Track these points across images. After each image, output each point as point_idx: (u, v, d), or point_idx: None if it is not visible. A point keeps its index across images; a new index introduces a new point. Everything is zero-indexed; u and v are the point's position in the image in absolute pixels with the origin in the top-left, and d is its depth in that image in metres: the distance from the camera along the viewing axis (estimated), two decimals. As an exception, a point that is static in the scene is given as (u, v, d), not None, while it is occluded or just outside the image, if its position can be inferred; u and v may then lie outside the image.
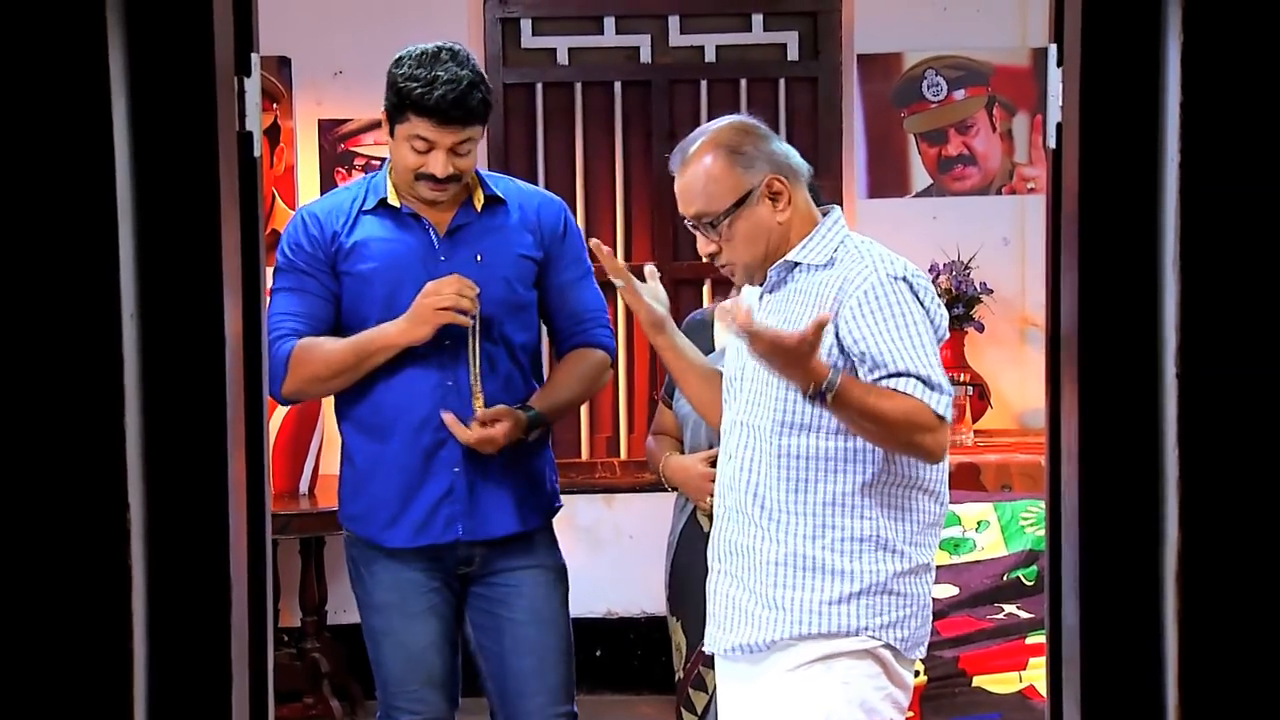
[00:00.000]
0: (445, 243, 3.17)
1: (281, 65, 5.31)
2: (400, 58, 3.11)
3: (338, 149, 5.42)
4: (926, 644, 2.73)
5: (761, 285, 2.78)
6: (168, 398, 1.71)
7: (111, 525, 1.65)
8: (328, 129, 5.41)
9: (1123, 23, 1.73)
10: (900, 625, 2.63)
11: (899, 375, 2.58)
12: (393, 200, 3.18)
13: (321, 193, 5.40)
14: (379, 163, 5.51)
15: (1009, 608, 3.74)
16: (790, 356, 2.49)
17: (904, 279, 2.66)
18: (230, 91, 1.78)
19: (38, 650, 1.64)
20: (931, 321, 2.66)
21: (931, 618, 2.76)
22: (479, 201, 3.21)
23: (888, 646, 2.62)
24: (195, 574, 1.71)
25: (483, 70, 3.19)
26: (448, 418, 3.08)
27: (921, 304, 2.65)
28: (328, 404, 5.04)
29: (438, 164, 3.08)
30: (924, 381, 2.56)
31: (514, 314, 3.20)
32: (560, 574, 3.29)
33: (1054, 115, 1.88)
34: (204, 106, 1.72)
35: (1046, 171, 1.94)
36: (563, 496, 3.40)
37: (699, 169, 2.75)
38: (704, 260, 2.86)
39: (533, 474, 3.26)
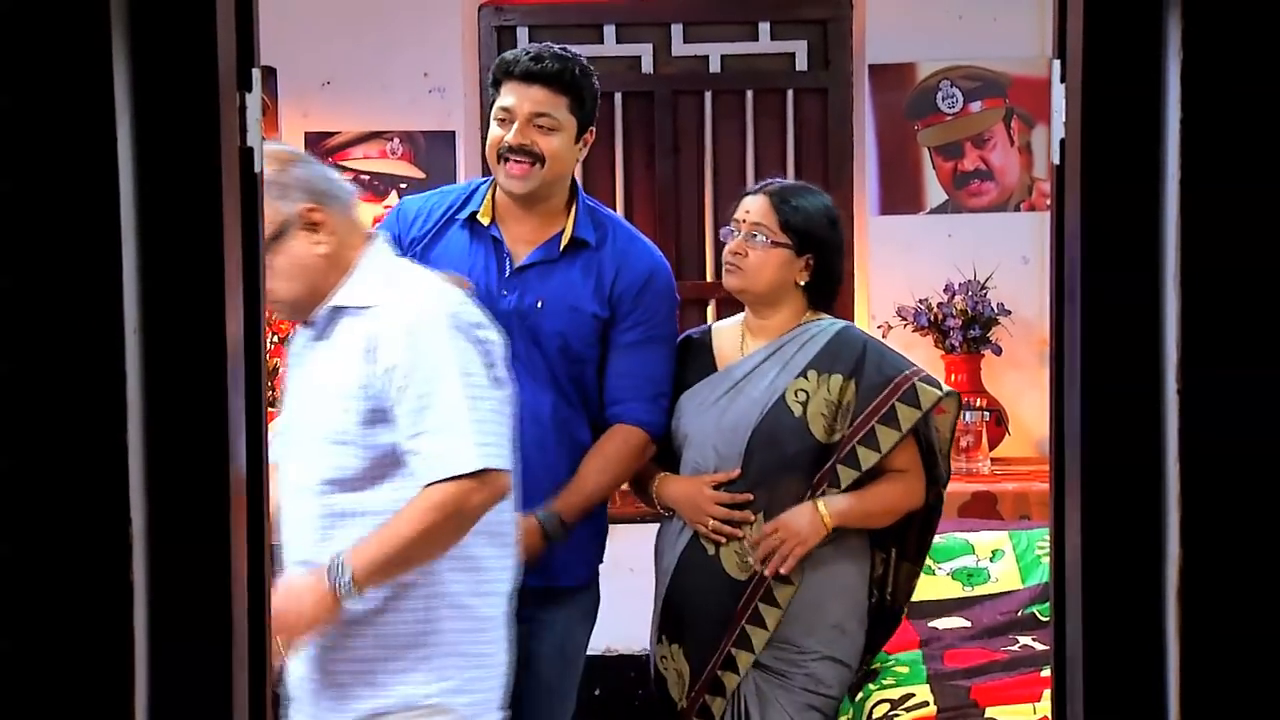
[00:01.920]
0: (515, 278, 3.20)
1: (266, 76, 5.44)
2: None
3: (325, 163, 5.52)
4: (498, 707, 2.82)
5: (311, 329, 2.83)
6: (170, 413, 1.84)
7: (113, 540, 1.76)
8: (315, 142, 5.54)
9: (1123, 39, 1.86)
10: (466, 690, 2.73)
11: (419, 435, 2.63)
12: (483, 216, 3.23)
13: (308, 209, 5.55)
14: (368, 177, 5.66)
15: (1024, 639, 3.86)
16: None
17: (445, 316, 2.69)
18: (232, 106, 1.91)
19: (38, 665, 1.76)
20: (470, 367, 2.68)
21: (504, 677, 2.85)
22: (566, 239, 3.24)
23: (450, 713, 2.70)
24: (198, 588, 1.83)
25: (590, 69, 3.25)
26: None
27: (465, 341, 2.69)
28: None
29: (513, 132, 3.13)
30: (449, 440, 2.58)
31: (571, 365, 3.25)
32: (592, 611, 3.40)
33: (1058, 131, 2.01)
34: (207, 122, 1.84)
35: (1052, 186, 2.07)
36: (559, 528, 3.46)
37: None
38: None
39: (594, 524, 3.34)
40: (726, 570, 3.30)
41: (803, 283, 3.33)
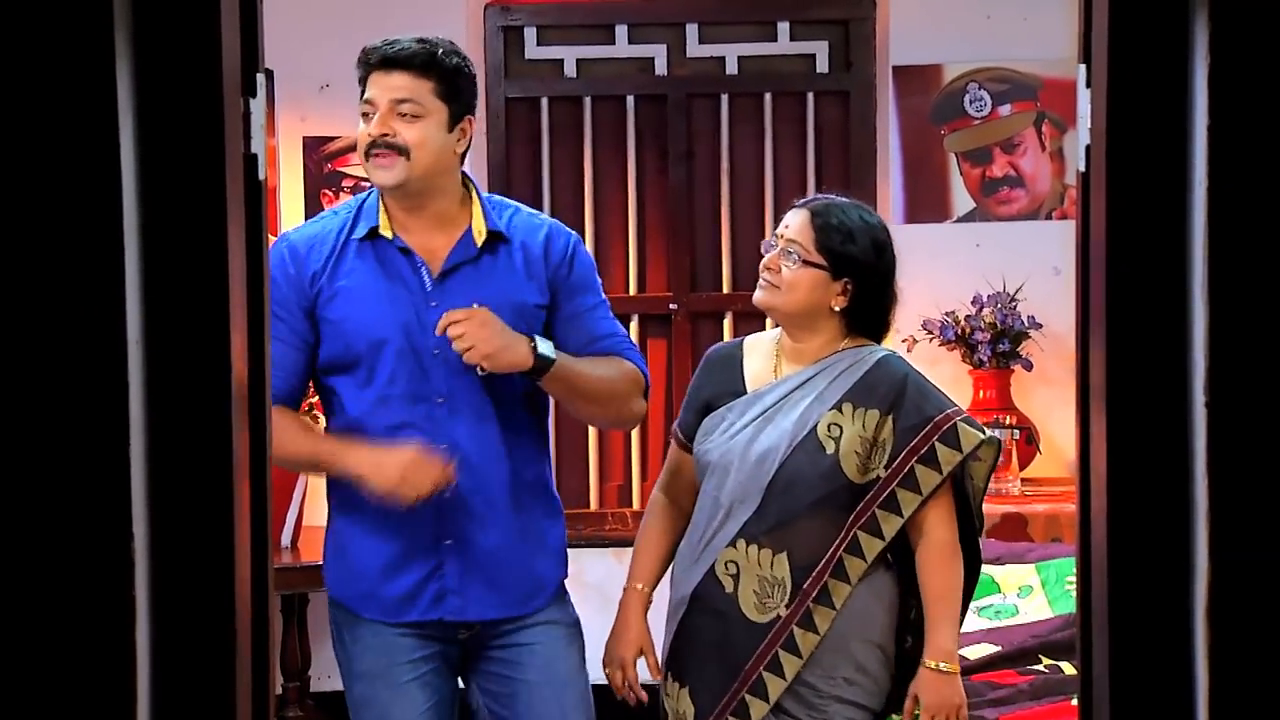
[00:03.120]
0: (439, 286, 3.15)
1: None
2: None
3: (324, 169, 5.60)
4: None
5: None
6: (172, 424, 1.90)
7: (115, 555, 1.82)
8: (313, 147, 5.60)
9: (1150, 44, 1.92)
10: None
11: None
12: (385, 230, 3.16)
13: (306, 217, 5.61)
14: (367, 183, 5.70)
15: (1049, 661, 3.90)
16: None
17: None
18: (236, 112, 1.98)
19: (38, 684, 1.82)
20: None
21: None
22: (479, 235, 3.18)
23: None
24: (200, 604, 1.89)
25: (459, 50, 3.22)
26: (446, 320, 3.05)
27: None
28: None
29: (374, 123, 3.09)
30: None
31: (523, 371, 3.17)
32: (575, 631, 3.32)
33: (1083, 138, 2.07)
34: (211, 128, 1.91)
35: (1077, 194, 2.13)
36: (569, 550, 3.41)
37: None
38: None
39: (539, 549, 3.26)
40: (744, 611, 3.24)
41: (838, 308, 3.28)
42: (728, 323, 5.75)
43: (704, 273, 5.83)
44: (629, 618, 3.35)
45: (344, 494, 3.22)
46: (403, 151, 3.10)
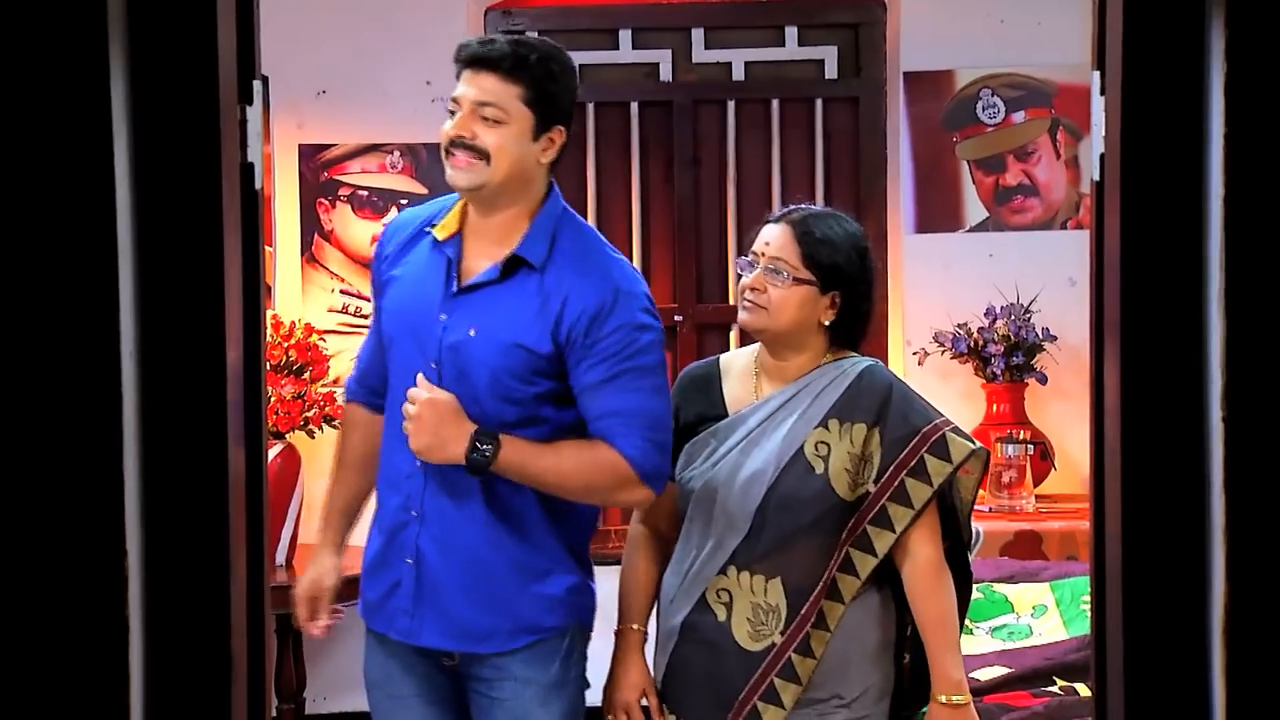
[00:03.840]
0: (455, 301, 3.08)
1: (258, 84, 5.52)
2: None
3: (320, 177, 5.62)
4: None
5: None
6: (167, 438, 1.91)
7: (108, 573, 1.84)
8: (309, 155, 5.61)
9: (1165, 51, 1.93)
10: None
11: None
12: (439, 231, 3.12)
13: (302, 226, 5.63)
14: (366, 193, 5.74)
15: (1064, 683, 3.91)
16: None
17: None
18: (233, 120, 1.99)
19: (31, 703, 1.83)
20: None
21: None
22: (505, 256, 3.06)
23: None
24: (194, 623, 1.90)
25: (560, 57, 3.10)
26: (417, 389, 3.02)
27: None
28: (308, 464, 5.25)
29: (454, 123, 3.02)
30: None
31: (503, 404, 3.06)
32: (551, 691, 3.16)
33: (1097, 146, 2.08)
34: (207, 136, 1.93)
35: (1091, 204, 2.14)
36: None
37: None
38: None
39: (522, 590, 3.12)
40: (737, 640, 3.20)
41: (827, 322, 3.24)
42: (734, 335, 5.75)
43: (710, 284, 5.84)
44: (627, 659, 3.29)
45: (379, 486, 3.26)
46: (482, 155, 3.03)
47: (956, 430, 3.22)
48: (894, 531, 3.16)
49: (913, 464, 3.16)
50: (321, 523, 3.41)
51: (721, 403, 3.31)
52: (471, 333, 3.04)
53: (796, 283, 3.20)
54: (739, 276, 3.30)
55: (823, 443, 3.19)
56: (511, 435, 3.05)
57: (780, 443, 3.21)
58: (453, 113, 3.05)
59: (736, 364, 3.36)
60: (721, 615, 3.21)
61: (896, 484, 3.15)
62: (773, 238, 3.24)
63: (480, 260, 3.10)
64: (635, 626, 3.32)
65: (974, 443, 3.22)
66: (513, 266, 3.06)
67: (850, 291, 3.24)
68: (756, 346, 3.34)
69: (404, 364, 3.11)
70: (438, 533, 3.10)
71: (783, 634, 3.18)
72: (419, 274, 3.14)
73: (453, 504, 3.09)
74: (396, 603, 3.15)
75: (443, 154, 3.07)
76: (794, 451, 3.19)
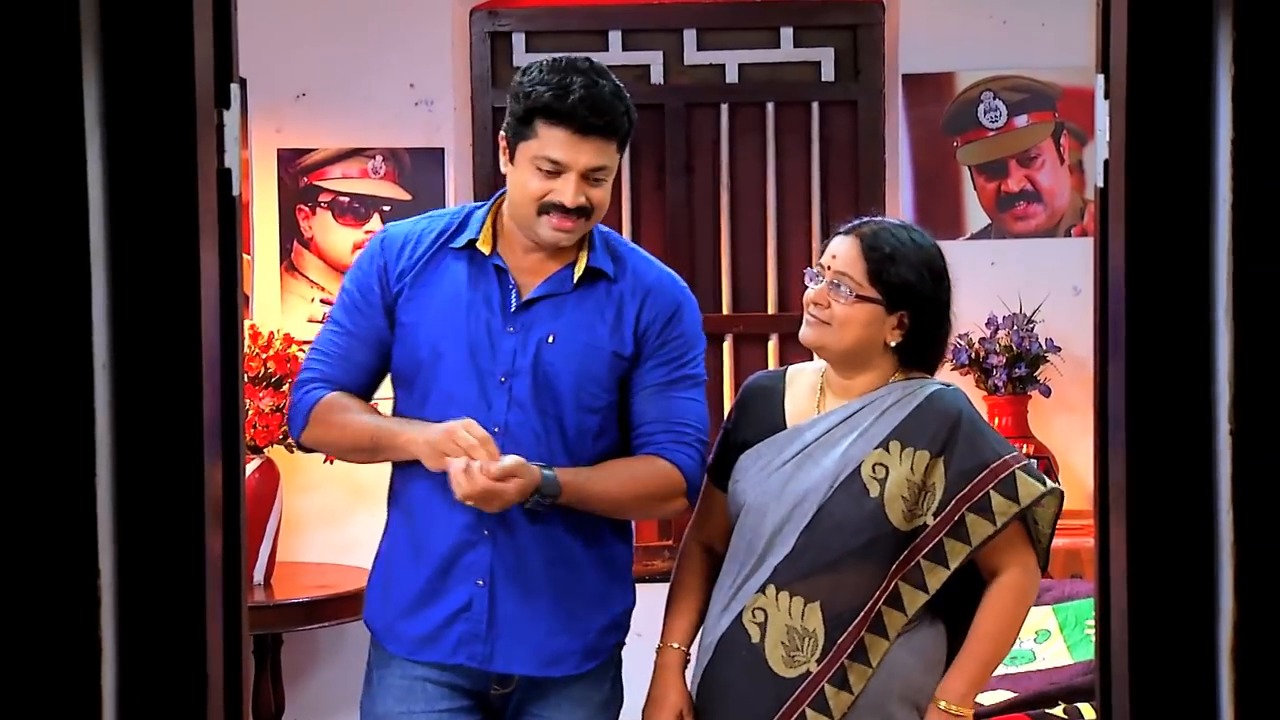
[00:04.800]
0: (521, 313, 3.16)
1: (236, 86, 5.51)
2: (529, 68, 3.17)
3: (300, 183, 5.62)
4: None
5: None
6: (141, 453, 1.91)
7: (81, 593, 1.84)
8: (288, 160, 5.61)
9: (1171, 53, 1.94)
10: None
11: None
12: (483, 245, 3.18)
13: (281, 234, 5.63)
14: (348, 199, 5.74)
15: (1066, 705, 3.91)
16: None
17: None
18: (210, 125, 2.00)
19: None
20: None
21: None
22: (579, 270, 3.18)
23: None
24: (169, 645, 1.91)
25: (626, 93, 3.20)
26: (453, 465, 2.99)
27: None
28: (287, 479, 5.25)
29: (568, 190, 3.07)
30: None
31: (582, 415, 3.18)
32: (600, 710, 3.28)
33: (1101, 152, 2.09)
34: (183, 141, 1.93)
35: (1095, 211, 2.15)
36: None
37: None
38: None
39: (590, 610, 3.22)
40: (770, 664, 3.15)
41: (893, 343, 3.19)
42: (728, 347, 5.76)
43: (703, 295, 5.80)
44: (666, 680, 3.27)
45: (399, 506, 3.23)
46: (587, 215, 3.13)
47: (1028, 468, 3.16)
48: (947, 568, 3.11)
49: (977, 499, 3.10)
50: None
51: (782, 415, 3.28)
52: (551, 339, 3.14)
53: (860, 300, 3.15)
54: (805, 288, 3.26)
55: (881, 465, 3.14)
56: (564, 466, 3.13)
57: (837, 460, 3.17)
58: (550, 173, 3.07)
59: (802, 377, 3.33)
60: (755, 636, 3.17)
61: (957, 518, 3.10)
62: (840, 251, 3.20)
63: (525, 276, 3.18)
64: (675, 645, 3.30)
65: (1046, 483, 3.16)
66: (588, 278, 3.18)
67: (919, 311, 3.18)
68: (824, 362, 3.30)
69: (456, 382, 3.14)
70: (512, 552, 3.15)
71: (819, 662, 3.13)
72: (459, 288, 3.18)
73: (526, 521, 3.13)
74: (465, 628, 3.15)
75: (532, 212, 3.11)
76: (850, 470, 3.15)
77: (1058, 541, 5.04)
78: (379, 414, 3.24)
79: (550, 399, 3.14)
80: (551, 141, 3.08)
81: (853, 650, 3.12)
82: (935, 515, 3.10)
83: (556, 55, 3.18)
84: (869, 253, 3.16)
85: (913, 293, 3.16)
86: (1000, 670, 4.23)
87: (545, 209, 3.10)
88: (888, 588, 3.12)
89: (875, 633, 3.13)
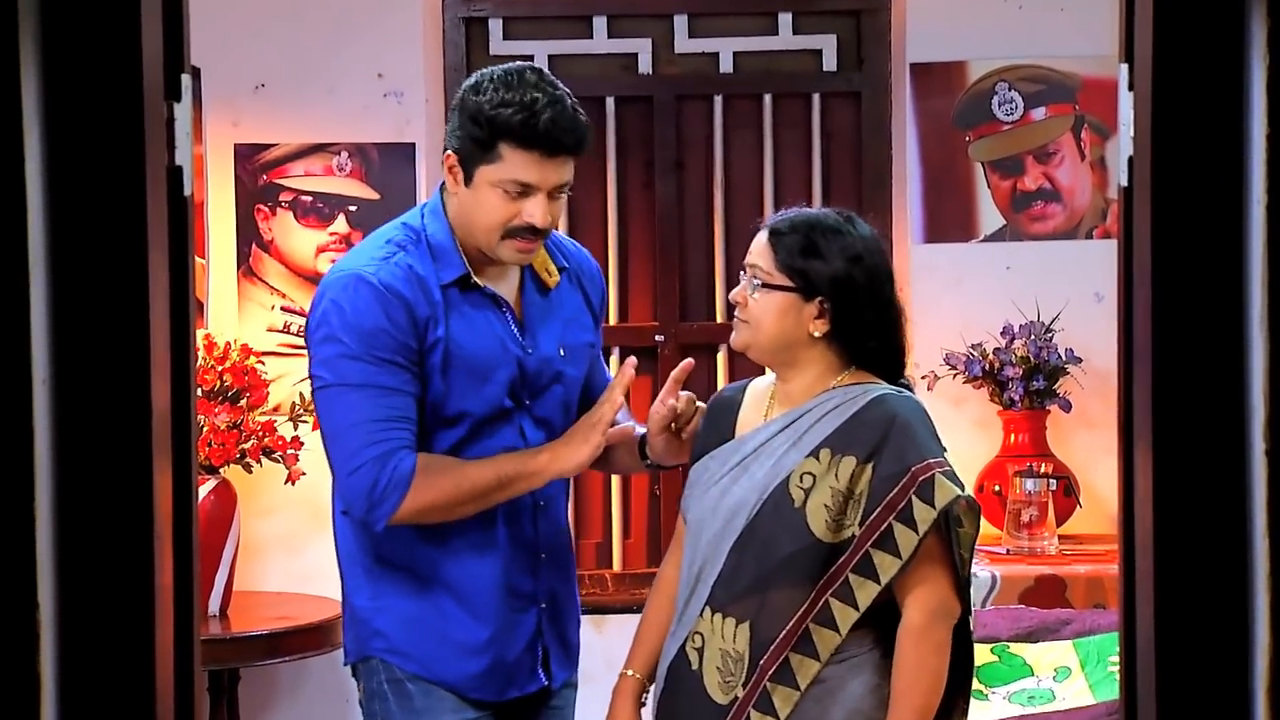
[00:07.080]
0: (526, 332, 3.35)
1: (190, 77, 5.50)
2: (478, 83, 3.20)
3: (259, 181, 5.61)
4: None
5: None
6: (85, 475, 1.91)
7: (18, 625, 1.83)
8: (247, 156, 5.61)
9: (1200, 41, 1.94)
10: None
11: None
12: (478, 277, 3.29)
13: (239, 235, 5.61)
14: (310, 198, 5.73)
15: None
16: None
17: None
18: (159, 119, 1.99)
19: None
20: None
21: None
22: (549, 274, 3.39)
23: None
24: (115, 683, 1.90)
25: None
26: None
27: None
28: (245, 502, 5.24)
29: (538, 211, 3.18)
30: None
31: (565, 413, 3.41)
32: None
33: (1125, 148, 2.09)
34: (130, 137, 1.92)
35: (1118, 212, 2.15)
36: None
37: None
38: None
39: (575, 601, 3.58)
40: (709, 691, 3.20)
41: (818, 334, 3.21)
42: (721, 356, 5.76)
43: (694, 300, 5.84)
44: (618, 707, 3.34)
45: (438, 565, 3.33)
46: (545, 232, 3.26)
47: (950, 474, 3.14)
48: (878, 583, 3.10)
49: (901, 506, 3.09)
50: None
51: (732, 426, 3.32)
52: (562, 351, 3.37)
53: (769, 289, 3.20)
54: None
55: (809, 474, 3.16)
56: None
57: (768, 471, 3.19)
58: (517, 195, 3.17)
59: (758, 389, 3.37)
60: (694, 663, 3.21)
61: (884, 528, 3.09)
62: (754, 245, 3.28)
63: (500, 285, 3.33)
64: (631, 672, 3.37)
65: (964, 489, 3.15)
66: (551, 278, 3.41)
67: (841, 298, 3.19)
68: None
69: (492, 417, 3.31)
70: (556, 565, 3.44)
71: (744, 687, 3.16)
72: (473, 324, 3.29)
73: (558, 529, 3.45)
74: (531, 659, 3.39)
75: (495, 237, 3.21)
76: (779, 481, 3.17)
77: (1078, 569, 5.12)
78: (498, 458, 3.32)
79: (564, 409, 3.40)
80: (519, 165, 3.17)
81: (775, 672, 3.14)
82: (860, 525, 3.11)
83: (503, 68, 3.24)
84: (775, 240, 3.23)
85: (823, 277, 3.19)
86: (1016, 711, 4.23)
87: (512, 233, 3.20)
88: (816, 604, 3.13)
89: (803, 653, 3.14)
